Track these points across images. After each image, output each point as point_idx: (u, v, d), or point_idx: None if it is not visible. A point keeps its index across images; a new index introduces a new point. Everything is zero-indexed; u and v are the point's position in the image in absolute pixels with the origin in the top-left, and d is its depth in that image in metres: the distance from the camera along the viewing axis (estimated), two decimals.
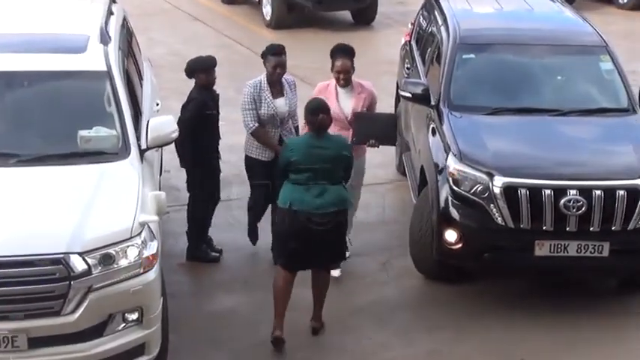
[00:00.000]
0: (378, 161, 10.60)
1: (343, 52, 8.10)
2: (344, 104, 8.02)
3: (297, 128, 8.36)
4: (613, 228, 7.24)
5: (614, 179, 7.34)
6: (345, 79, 7.98)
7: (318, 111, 7.02)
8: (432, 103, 8.45)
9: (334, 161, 6.96)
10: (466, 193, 7.39)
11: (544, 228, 7.25)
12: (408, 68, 10.39)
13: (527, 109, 8.27)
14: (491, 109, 8.24)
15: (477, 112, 8.22)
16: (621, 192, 7.22)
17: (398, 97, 10.74)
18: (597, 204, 7.19)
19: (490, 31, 9.18)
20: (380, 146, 8.17)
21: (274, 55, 8.04)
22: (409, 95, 8.66)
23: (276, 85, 8.10)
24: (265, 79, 8.05)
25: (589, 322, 7.32)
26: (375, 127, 7.97)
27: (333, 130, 7.46)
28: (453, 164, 7.48)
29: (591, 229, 7.24)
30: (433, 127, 8.30)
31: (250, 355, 6.86)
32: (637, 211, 7.24)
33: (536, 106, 8.31)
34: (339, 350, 7.04)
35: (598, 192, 7.19)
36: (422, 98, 8.53)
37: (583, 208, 7.17)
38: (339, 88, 8.06)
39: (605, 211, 7.20)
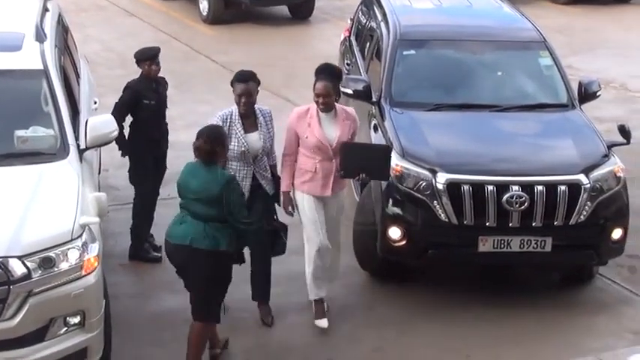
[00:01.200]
0: None
1: (325, 73, 7.28)
2: (328, 131, 7.13)
3: (273, 167, 7.37)
4: (555, 223, 7.29)
5: (556, 175, 7.38)
6: (324, 103, 7.09)
7: (199, 136, 6.35)
8: (374, 99, 8.44)
9: (204, 195, 6.25)
10: (409, 190, 7.39)
11: (487, 224, 7.28)
12: (348, 64, 10.38)
13: (468, 104, 8.30)
14: (433, 105, 8.26)
15: (418, 108, 8.23)
16: (563, 187, 7.28)
17: (338, 93, 10.72)
18: (539, 199, 7.23)
19: (430, 27, 9.21)
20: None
21: (239, 82, 7.09)
22: (350, 92, 8.63)
23: (249, 117, 7.13)
24: (236, 110, 7.10)
25: (532, 317, 7.37)
26: (365, 160, 7.05)
27: (313, 160, 7.09)
28: (396, 161, 7.46)
29: (534, 224, 7.28)
30: (375, 124, 8.29)
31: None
32: (578, 206, 7.31)
33: (477, 102, 8.35)
34: (285, 349, 7.00)
35: (540, 187, 7.24)
36: (363, 95, 8.51)
37: (525, 204, 7.21)
38: (321, 114, 7.15)
39: (547, 207, 7.25)
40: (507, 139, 7.99)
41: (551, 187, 7.26)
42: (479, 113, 8.25)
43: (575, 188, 7.32)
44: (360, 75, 9.36)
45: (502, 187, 7.24)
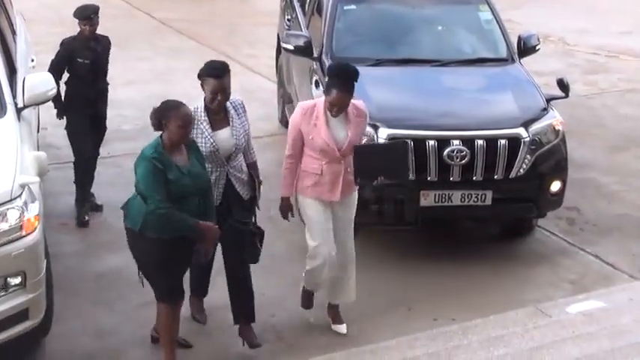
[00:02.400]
0: (260, 113, 10.56)
1: (342, 77, 6.32)
2: (337, 133, 6.34)
3: (252, 165, 6.50)
4: (495, 177, 7.36)
5: (496, 129, 7.44)
6: (338, 112, 6.31)
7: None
8: (315, 55, 8.43)
9: None
10: None
11: (428, 178, 7.33)
12: (288, 20, 10.32)
13: (409, 59, 8.32)
14: (374, 60, 8.26)
15: (359, 63, 8.10)
16: (503, 141, 7.34)
17: (279, 49, 10.69)
18: (480, 154, 7.29)
19: None
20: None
21: (213, 77, 6.13)
22: (291, 47, 8.61)
23: (218, 113, 6.22)
24: (203, 105, 6.18)
25: (473, 270, 7.45)
26: (382, 161, 6.38)
27: (319, 162, 6.34)
28: None
29: (474, 178, 7.34)
30: (316, 80, 8.27)
31: (138, 315, 6.75)
32: (518, 159, 7.38)
33: (418, 57, 8.37)
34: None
35: (480, 142, 7.30)
36: (304, 50, 8.49)
37: (466, 158, 7.27)
38: (329, 114, 6.34)
39: (488, 161, 7.31)
40: (448, 94, 8.03)
41: (491, 141, 7.32)
42: (420, 68, 8.28)
43: (514, 142, 7.39)
44: (301, 31, 9.32)
45: (443, 142, 7.29)
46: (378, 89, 7.85)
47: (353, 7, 8.84)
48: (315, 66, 8.39)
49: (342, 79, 6.28)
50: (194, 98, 6.29)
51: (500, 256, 7.74)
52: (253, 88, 12.11)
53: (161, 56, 13.59)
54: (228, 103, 6.26)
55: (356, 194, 6.61)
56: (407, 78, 8.16)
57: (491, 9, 8.87)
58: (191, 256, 5.97)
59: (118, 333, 6.58)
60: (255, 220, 6.54)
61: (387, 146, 6.86)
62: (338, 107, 6.25)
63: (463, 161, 7.27)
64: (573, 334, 6.11)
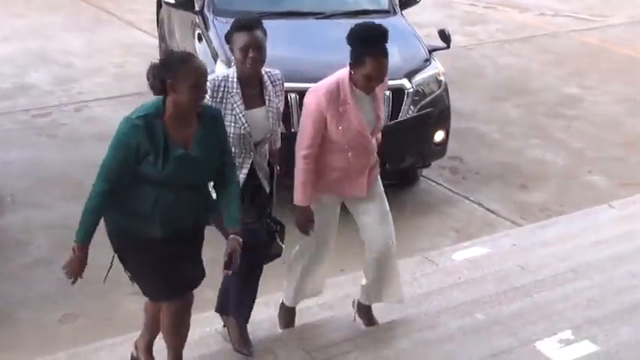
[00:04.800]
0: (141, 69, 10.35)
1: (376, 42, 4.99)
2: (367, 115, 5.12)
3: (273, 153, 5.31)
4: None
5: None
6: (376, 85, 5.05)
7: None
8: (197, 8, 8.31)
9: None
10: None
11: None
12: None
13: (292, 12, 8.29)
14: (257, 13, 8.17)
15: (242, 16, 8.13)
16: (387, 92, 7.37)
17: (159, 4, 10.52)
18: None
19: None
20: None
21: (245, 30, 4.91)
22: (172, 1, 8.48)
23: (253, 85, 5.01)
24: (235, 74, 4.95)
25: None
26: (413, 139, 5.51)
27: (345, 155, 5.10)
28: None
29: None
30: (199, 34, 8.17)
31: (24, 275, 6.59)
32: (402, 110, 7.43)
33: (301, 10, 8.35)
34: None
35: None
36: (185, 4, 8.38)
37: None
38: (357, 92, 5.03)
39: None
40: (332, 46, 7.92)
41: None
42: (303, 21, 8.26)
43: (398, 93, 7.43)
44: None
45: None
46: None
47: None
48: (197, 20, 8.27)
49: (374, 42, 4.99)
50: (75, 54, 5.99)
51: (390, 206, 7.79)
52: (134, 43, 11.93)
53: (36, 12, 13.23)
54: (265, 76, 5.09)
55: (379, 181, 5.45)
56: (290, 31, 8.10)
57: None
58: (188, 253, 4.68)
59: (5, 295, 6.40)
60: (272, 213, 5.42)
61: (419, 121, 5.53)
62: (378, 79, 4.99)
63: None
64: (459, 280, 6.23)
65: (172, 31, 9.53)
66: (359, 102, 5.05)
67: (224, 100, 4.92)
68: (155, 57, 10.60)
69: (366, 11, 8.53)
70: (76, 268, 4.37)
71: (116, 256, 4.60)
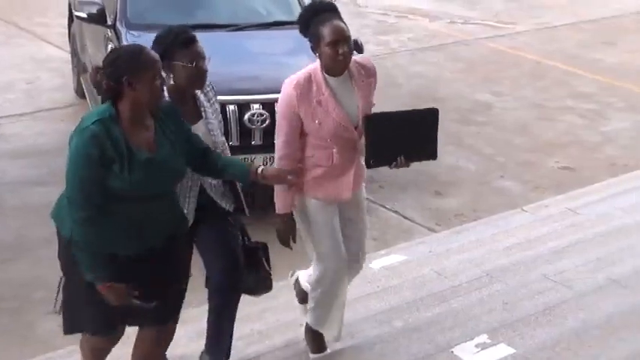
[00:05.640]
0: (55, 84, 10.29)
1: (330, 10, 4.71)
2: (348, 104, 4.74)
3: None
4: None
5: None
6: (346, 55, 4.59)
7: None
8: (109, 22, 8.26)
9: None
10: None
11: (230, 143, 7.33)
12: None
13: (205, 25, 8.26)
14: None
15: (155, 30, 7.96)
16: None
17: (71, 17, 10.42)
18: None
19: None
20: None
21: (187, 46, 4.63)
22: (84, 15, 8.42)
23: (185, 101, 4.65)
24: (166, 92, 4.40)
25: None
26: (404, 134, 4.70)
27: (328, 151, 4.76)
28: None
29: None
30: (112, 48, 8.11)
31: None
32: None
33: (214, 22, 8.34)
34: None
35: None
36: (98, 18, 8.31)
37: (267, 122, 7.33)
38: (330, 80, 4.69)
39: None
40: (246, 58, 8.05)
41: None
42: (217, 33, 8.25)
43: None
44: None
45: (243, 107, 7.32)
46: None
47: None
48: (109, 34, 8.22)
49: (327, 11, 4.71)
50: None
51: None
52: (45, 58, 11.79)
53: None
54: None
55: (364, 188, 5.16)
56: (204, 43, 8.06)
57: None
58: (160, 274, 4.22)
59: None
60: (247, 234, 5.06)
61: (410, 114, 4.85)
62: (343, 42, 4.55)
63: (264, 125, 7.33)
64: (378, 288, 6.30)
65: (85, 46, 9.45)
66: (337, 92, 4.70)
67: None
68: (68, 72, 10.58)
69: (280, 22, 8.58)
70: (121, 298, 4.04)
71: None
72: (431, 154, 4.78)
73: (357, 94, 4.76)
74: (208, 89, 4.87)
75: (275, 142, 4.87)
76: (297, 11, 8.67)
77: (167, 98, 4.39)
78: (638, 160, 9.17)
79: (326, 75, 4.69)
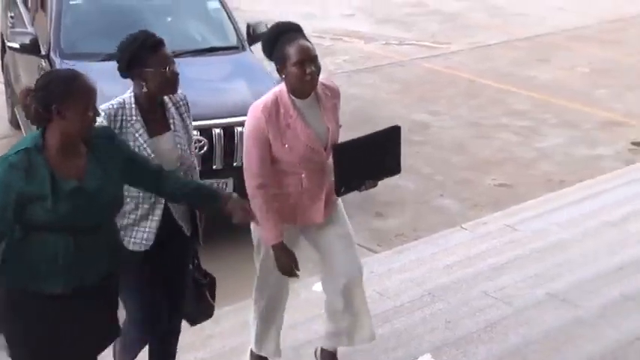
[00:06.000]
0: None
1: (297, 30, 4.66)
2: (316, 126, 4.67)
3: (194, 190, 4.35)
4: (235, 164, 7.46)
5: (232, 116, 7.52)
6: (313, 75, 4.52)
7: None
8: (43, 52, 8.20)
9: None
10: None
11: None
12: (12, 17, 9.98)
13: None
14: (104, 54, 8.10)
15: (89, 59, 8.05)
16: (239, 128, 7.44)
17: (4, 48, 10.33)
18: (218, 142, 7.37)
19: None
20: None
21: (156, 50, 4.42)
22: (17, 46, 8.36)
23: (153, 110, 4.47)
24: (132, 99, 4.42)
25: (224, 256, 7.47)
26: (371, 158, 4.70)
27: (297, 177, 4.68)
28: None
29: (214, 167, 7.42)
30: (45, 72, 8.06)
31: None
32: None
33: None
34: None
35: (218, 130, 7.37)
36: (31, 49, 8.24)
37: (205, 148, 7.32)
38: (298, 102, 4.62)
39: (227, 149, 7.41)
40: (183, 85, 7.98)
41: (228, 129, 7.42)
42: None
43: None
44: (26, 28, 9.04)
45: None
46: (112, 85, 7.73)
47: (79, 1, 8.68)
48: (43, 64, 8.16)
49: (292, 31, 4.64)
50: None
51: (247, 242, 7.82)
52: None
53: None
54: (166, 98, 4.56)
55: (340, 202, 5.05)
56: None
57: None
58: (94, 313, 3.94)
59: None
60: (200, 262, 4.91)
61: (376, 136, 4.78)
62: (310, 62, 4.48)
63: (202, 151, 7.31)
64: (321, 310, 6.28)
65: (18, 76, 9.38)
66: (305, 114, 4.61)
67: (123, 130, 4.35)
68: (1, 103, 10.47)
69: (215, 48, 8.59)
70: None
71: None
72: (395, 169, 4.84)
73: (325, 116, 4.69)
74: (181, 103, 4.66)
75: (245, 172, 4.71)
76: (232, 37, 8.73)
77: (133, 111, 4.36)
78: (573, 176, 9.33)
79: (293, 97, 4.60)
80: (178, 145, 4.51)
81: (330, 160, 4.66)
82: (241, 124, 7.37)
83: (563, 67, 13.83)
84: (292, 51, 4.50)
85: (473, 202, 8.72)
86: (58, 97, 3.64)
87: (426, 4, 18.28)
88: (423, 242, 7.61)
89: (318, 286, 6.65)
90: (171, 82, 4.42)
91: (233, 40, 8.75)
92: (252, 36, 8.85)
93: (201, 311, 4.89)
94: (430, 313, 6.26)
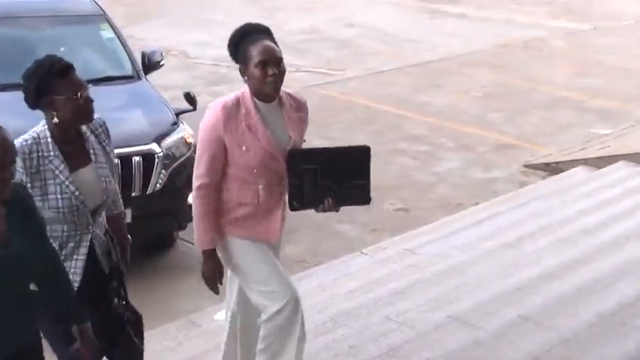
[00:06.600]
0: None
1: (263, 32, 4.46)
2: (278, 132, 4.47)
3: (116, 218, 4.53)
4: (133, 194, 7.37)
5: (129, 146, 7.43)
6: (277, 76, 4.35)
7: None
8: None
9: None
10: None
11: None
12: None
13: None
14: None
15: None
16: (137, 158, 7.37)
17: None
18: (115, 172, 7.25)
19: None
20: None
21: (65, 76, 4.06)
22: None
23: (71, 141, 4.17)
24: (47, 132, 4.08)
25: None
26: (329, 175, 4.37)
27: (253, 187, 4.46)
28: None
29: None
30: None
31: None
32: (154, 175, 7.46)
33: None
34: None
35: (115, 161, 7.25)
36: None
37: None
38: (260, 105, 4.43)
39: (124, 179, 7.29)
40: None
41: (125, 159, 7.31)
42: None
43: (149, 158, 7.45)
44: None
45: None
46: (6, 115, 7.57)
47: None
48: None
49: (259, 32, 4.46)
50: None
51: (146, 271, 7.75)
52: None
53: None
54: (84, 127, 4.23)
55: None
56: None
57: (112, 27, 8.90)
58: None
59: None
60: (126, 298, 4.54)
61: (338, 151, 4.49)
62: (272, 63, 4.30)
63: None
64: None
65: None
66: (267, 118, 4.42)
67: (41, 168, 4.00)
68: None
69: (110, 78, 8.50)
70: None
71: None
72: (363, 197, 4.47)
73: (289, 125, 4.50)
74: (100, 130, 4.35)
75: (194, 171, 4.53)
76: (127, 66, 8.65)
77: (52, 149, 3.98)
78: (469, 199, 9.48)
79: (255, 100, 4.42)
80: (102, 178, 4.24)
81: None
82: (139, 153, 7.40)
83: (457, 92, 14.08)
84: (255, 51, 4.34)
85: (372, 226, 8.78)
86: None
87: (319, 31, 18.42)
88: (324, 268, 7.62)
89: (220, 315, 6.62)
90: (84, 110, 4.11)
91: (128, 69, 8.67)
92: (148, 65, 8.80)
93: (124, 354, 4.48)
94: (333, 339, 6.25)
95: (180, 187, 7.66)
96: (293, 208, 4.47)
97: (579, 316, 6.45)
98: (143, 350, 4.57)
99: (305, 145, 4.65)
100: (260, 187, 4.47)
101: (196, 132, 8.17)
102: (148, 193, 7.46)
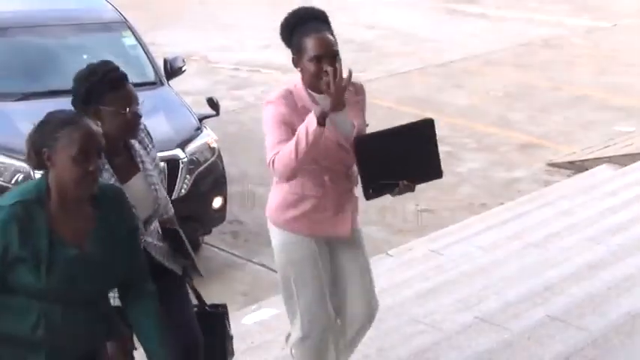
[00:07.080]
0: None
1: (319, 19, 4.25)
2: (340, 121, 4.19)
3: (168, 222, 4.31)
4: None
5: None
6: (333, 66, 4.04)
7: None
8: None
9: None
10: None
11: None
12: None
13: (57, 91, 8.13)
14: (21, 94, 8.03)
15: (5, 99, 7.97)
16: (162, 163, 7.35)
17: None
18: None
19: (7, 14, 8.90)
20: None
21: (117, 88, 3.91)
22: None
23: (119, 153, 3.97)
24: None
25: None
26: (398, 156, 4.20)
27: (318, 179, 4.24)
28: None
29: None
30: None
31: None
32: (178, 180, 7.48)
33: (65, 88, 8.13)
34: None
35: (162, 164, 7.28)
36: None
37: None
38: (318, 98, 4.17)
39: None
40: None
41: None
42: (69, 99, 8.13)
43: (173, 164, 7.47)
44: None
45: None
46: (29, 124, 7.62)
47: None
48: None
49: (314, 20, 4.23)
50: None
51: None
52: None
53: None
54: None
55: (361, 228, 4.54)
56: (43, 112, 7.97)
57: (134, 34, 8.94)
58: None
59: None
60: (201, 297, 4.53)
61: (403, 129, 4.31)
62: (328, 57, 4.07)
63: None
64: (252, 344, 6.26)
65: None
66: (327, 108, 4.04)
67: None
68: None
69: (133, 84, 8.44)
70: None
71: None
72: (435, 171, 4.32)
73: (350, 111, 4.21)
74: (142, 135, 4.14)
75: (267, 158, 4.14)
76: (150, 73, 8.68)
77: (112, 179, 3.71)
78: (493, 199, 9.45)
79: (310, 91, 4.18)
80: (152, 186, 4.06)
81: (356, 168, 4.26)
82: (163, 159, 7.37)
83: (478, 92, 14.04)
84: (310, 44, 4.11)
85: (397, 228, 8.76)
86: (48, 141, 3.18)
87: (338, 33, 18.32)
88: None
89: (247, 319, 6.66)
90: (131, 126, 3.91)
91: (150, 76, 8.70)
92: (170, 71, 8.82)
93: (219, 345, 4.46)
94: (362, 341, 6.24)
95: (204, 192, 7.70)
96: (369, 197, 4.19)
97: (608, 316, 6.41)
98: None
99: None
100: (326, 178, 4.26)
101: (220, 136, 8.23)
102: (172, 198, 7.45)
